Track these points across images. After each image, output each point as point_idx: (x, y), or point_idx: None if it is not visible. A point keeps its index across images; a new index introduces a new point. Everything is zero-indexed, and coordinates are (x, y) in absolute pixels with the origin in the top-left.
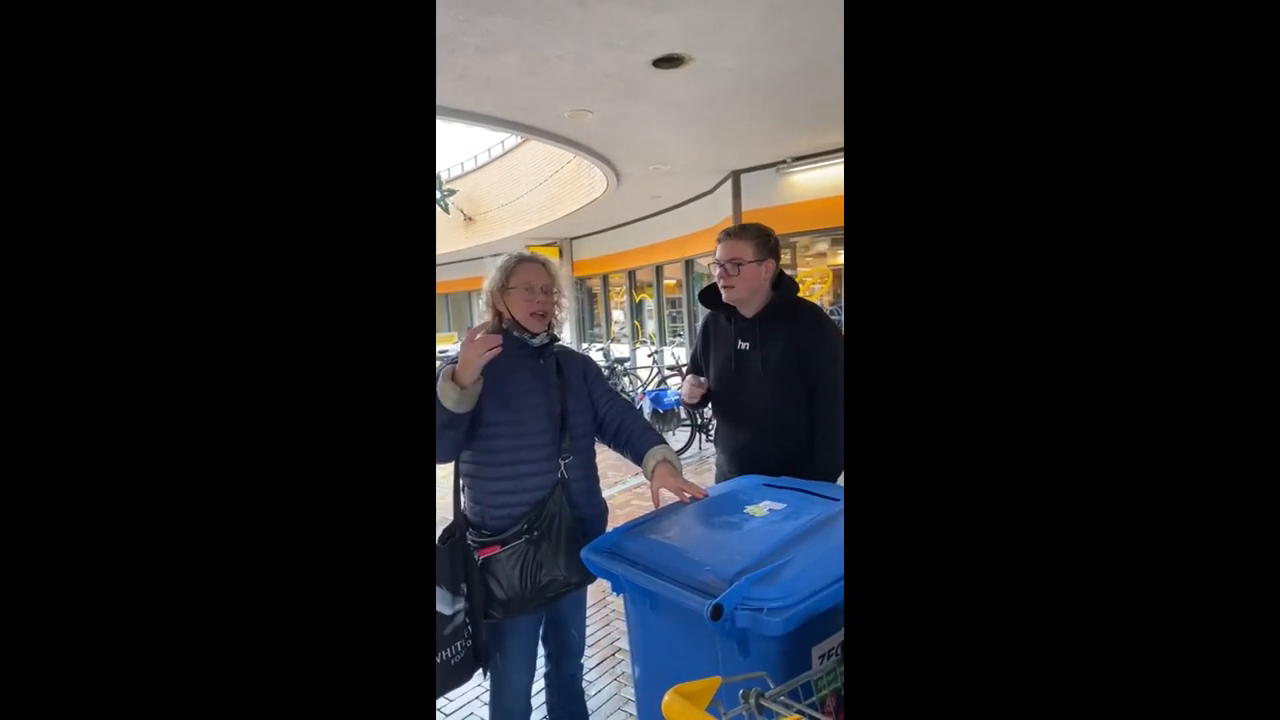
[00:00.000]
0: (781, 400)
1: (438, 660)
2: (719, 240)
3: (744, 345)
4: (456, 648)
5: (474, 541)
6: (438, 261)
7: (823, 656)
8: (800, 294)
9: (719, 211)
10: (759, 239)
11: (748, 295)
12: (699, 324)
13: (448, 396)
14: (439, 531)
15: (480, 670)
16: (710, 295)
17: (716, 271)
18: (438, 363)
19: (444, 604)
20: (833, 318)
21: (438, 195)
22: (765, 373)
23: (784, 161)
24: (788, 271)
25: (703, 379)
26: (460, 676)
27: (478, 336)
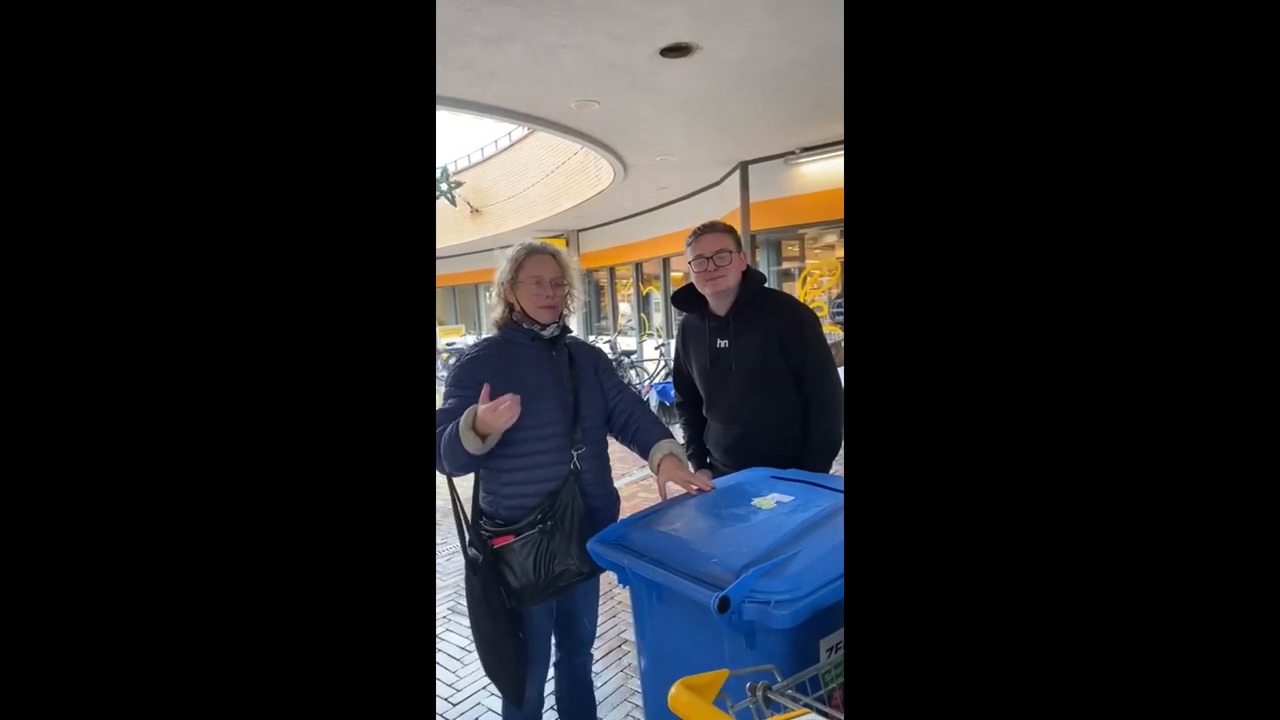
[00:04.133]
0: (767, 391)
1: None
2: (696, 237)
3: (722, 343)
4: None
5: (487, 531)
6: (444, 254)
7: (830, 650)
8: (808, 286)
9: (727, 203)
10: (732, 233)
11: (735, 283)
12: (676, 330)
13: (470, 443)
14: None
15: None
16: (683, 297)
17: (699, 268)
18: (441, 357)
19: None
20: (839, 313)
21: (444, 187)
22: (746, 366)
23: (792, 152)
24: (797, 264)
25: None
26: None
27: (502, 406)
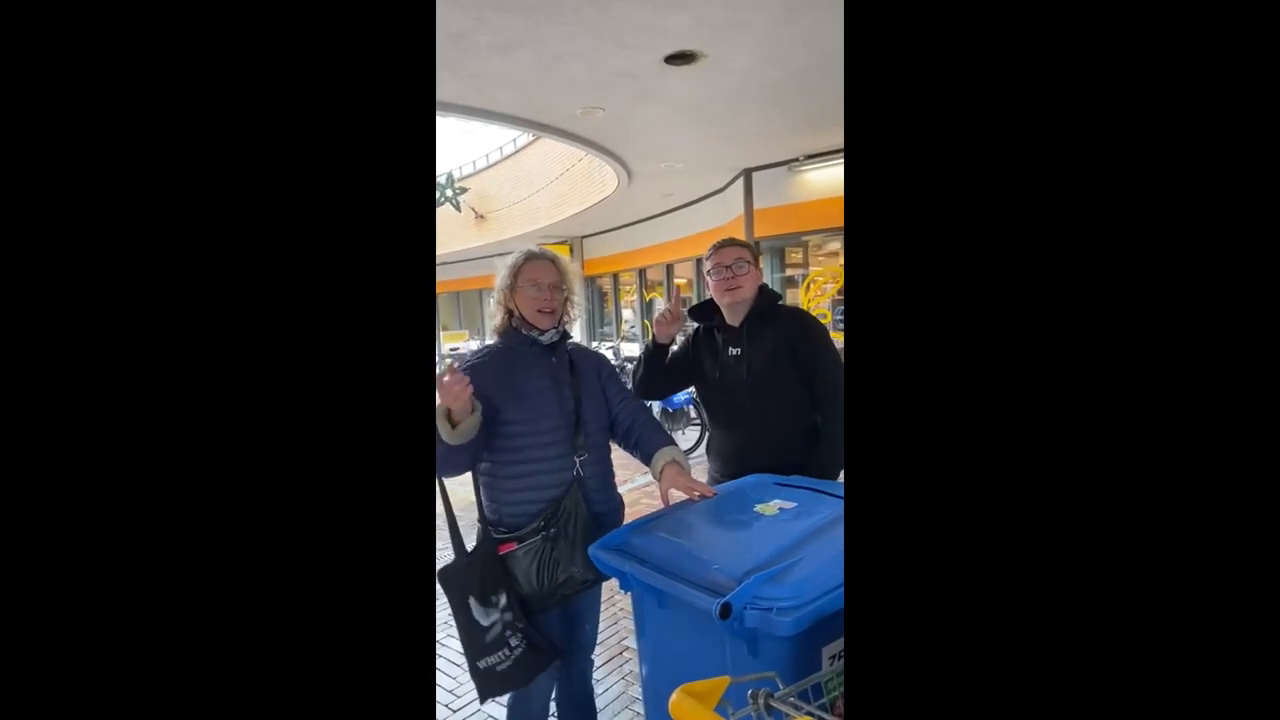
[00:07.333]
0: (775, 397)
1: (481, 666)
2: (716, 249)
3: (734, 352)
4: (503, 654)
5: (491, 538)
6: (449, 259)
7: (833, 657)
8: (812, 293)
9: (730, 210)
10: (750, 248)
11: (752, 293)
12: (688, 332)
13: (441, 432)
14: (468, 544)
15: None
16: (700, 310)
17: (718, 277)
18: (446, 361)
19: (479, 615)
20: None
21: (450, 193)
22: (757, 372)
23: (796, 159)
24: (800, 271)
25: (682, 311)
26: (515, 679)
27: (445, 379)
